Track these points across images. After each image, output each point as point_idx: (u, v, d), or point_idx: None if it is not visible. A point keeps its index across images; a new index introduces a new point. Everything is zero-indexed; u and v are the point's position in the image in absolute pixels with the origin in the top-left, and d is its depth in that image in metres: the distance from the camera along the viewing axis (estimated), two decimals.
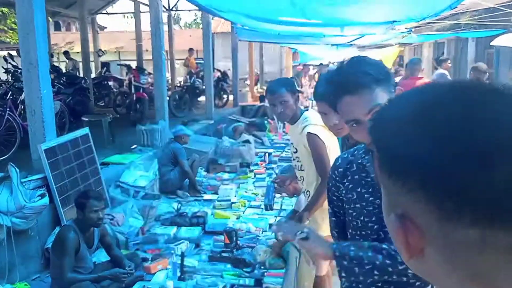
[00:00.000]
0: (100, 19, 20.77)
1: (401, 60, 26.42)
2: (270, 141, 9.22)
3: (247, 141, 7.74)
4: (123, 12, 24.52)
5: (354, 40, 9.22)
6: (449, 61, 8.50)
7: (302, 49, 17.74)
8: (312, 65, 20.36)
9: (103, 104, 12.08)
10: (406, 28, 10.25)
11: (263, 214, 5.11)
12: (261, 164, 7.34)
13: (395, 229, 0.52)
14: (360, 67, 1.31)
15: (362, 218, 1.39)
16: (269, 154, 7.71)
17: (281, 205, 5.12)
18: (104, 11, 17.19)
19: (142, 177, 5.36)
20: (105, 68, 15.06)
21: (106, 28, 25.75)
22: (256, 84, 16.62)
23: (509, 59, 10.22)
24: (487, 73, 6.69)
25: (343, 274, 1.33)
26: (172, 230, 4.55)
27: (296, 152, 2.79)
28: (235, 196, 5.69)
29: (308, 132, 2.58)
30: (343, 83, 1.32)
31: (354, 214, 1.41)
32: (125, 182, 5.16)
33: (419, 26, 16.77)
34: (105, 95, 12.24)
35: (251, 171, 6.94)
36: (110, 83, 12.53)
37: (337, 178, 1.48)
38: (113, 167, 5.56)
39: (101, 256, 3.80)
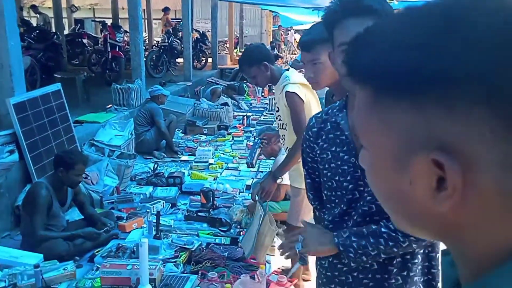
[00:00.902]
0: None
1: None
2: (249, 105, 9.14)
3: (226, 104, 7.65)
4: None
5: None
6: None
7: (283, 13, 17.41)
8: (293, 30, 20.11)
9: (77, 62, 11.67)
10: None
11: (240, 175, 5.11)
12: (239, 127, 7.29)
13: (422, 172, 0.42)
14: None
15: (337, 178, 1.34)
16: (248, 117, 7.65)
17: (258, 167, 5.11)
18: None
19: (117, 136, 5.23)
20: (78, 25, 14.49)
21: None
22: (235, 47, 16.32)
23: None
24: None
25: (353, 265, 1.33)
26: (148, 189, 4.50)
27: (278, 111, 2.80)
28: (213, 158, 5.65)
29: (287, 91, 2.59)
30: (349, 4, 1.21)
31: (329, 174, 1.36)
32: (99, 141, 5.03)
33: None
34: (79, 53, 11.81)
35: (229, 133, 6.89)
36: (84, 40, 12.07)
37: (311, 139, 1.42)
38: (87, 125, 5.41)
39: (75, 215, 3.73)
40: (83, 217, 3.59)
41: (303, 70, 2.55)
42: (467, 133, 0.40)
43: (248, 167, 3.35)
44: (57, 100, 4.59)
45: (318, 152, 1.40)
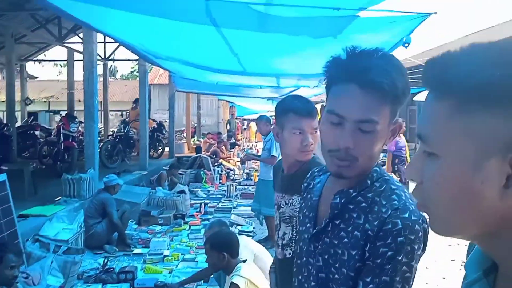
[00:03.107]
0: (32, 68, 20.00)
1: None
2: (206, 192, 9.01)
3: (182, 192, 7.48)
4: (56, 59, 23.81)
5: (289, 93, 9.54)
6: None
7: (238, 103, 18.12)
8: (248, 119, 20.80)
9: (27, 155, 11.30)
10: None
11: (197, 267, 4.83)
12: (197, 215, 7.08)
13: (494, 172, 0.52)
14: (389, 67, 1.02)
15: (301, 244, 1.22)
16: (205, 205, 7.48)
17: None
18: (35, 59, 16.55)
19: (65, 230, 4.91)
20: (32, 117, 14.30)
21: (37, 77, 24.73)
22: (193, 136, 16.53)
23: None
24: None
25: None
26: None
27: None
28: (168, 249, 5.36)
29: (231, 281, 2.69)
30: (358, 69, 1.00)
31: (297, 237, 1.29)
32: (45, 236, 4.68)
33: None
34: (30, 145, 11.50)
35: (186, 222, 6.65)
36: (37, 132, 11.84)
37: (303, 194, 1.33)
38: (33, 219, 5.07)
39: None
40: None
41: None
42: None
43: None
44: (0, 192, 4.31)
45: (303, 204, 1.31)
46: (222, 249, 2.77)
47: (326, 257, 1.11)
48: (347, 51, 1.04)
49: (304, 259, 1.19)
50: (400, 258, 0.98)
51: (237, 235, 3.48)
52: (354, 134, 1.01)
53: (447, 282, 4.52)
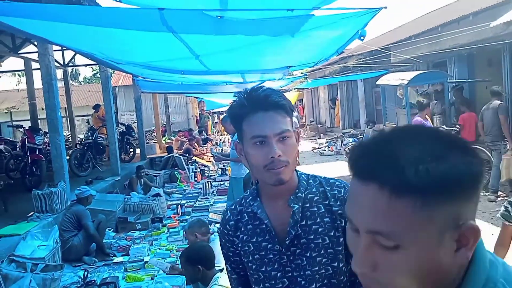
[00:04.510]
0: None
1: (300, 103, 28.04)
2: (182, 192, 9.01)
3: (158, 195, 7.47)
4: (12, 70, 23.02)
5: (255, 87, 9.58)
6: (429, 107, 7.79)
7: (207, 98, 18.02)
8: (218, 112, 20.72)
9: None
10: (301, 73, 10.96)
11: None
12: (174, 217, 7.09)
13: (450, 243, 0.63)
14: (277, 92, 1.32)
15: (263, 268, 1.32)
16: (182, 205, 7.50)
17: None
18: None
19: (40, 247, 4.84)
20: None
21: None
22: (163, 135, 16.37)
23: (393, 96, 11.32)
24: None
25: None
26: None
27: None
28: (148, 255, 5.37)
29: None
30: (258, 99, 1.28)
31: (254, 266, 1.34)
32: (20, 255, 4.60)
33: (313, 71, 18.10)
34: None
35: (164, 225, 6.66)
36: (1, 146, 11.47)
37: (230, 232, 1.39)
38: (6, 239, 4.97)
39: None
40: None
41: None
42: (473, 211, 0.65)
43: None
44: None
45: (239, 245, 1.37)
46: (196, 263, 2.81)
47: (308, 254, 1.28)
48: (242, 95, 1.31)
49: (279, 274, 1.30)
50: None
51: (211, 244, 3.49)
52: (278, 145, 1.25)
53: None
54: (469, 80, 9.27)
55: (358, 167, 0.65)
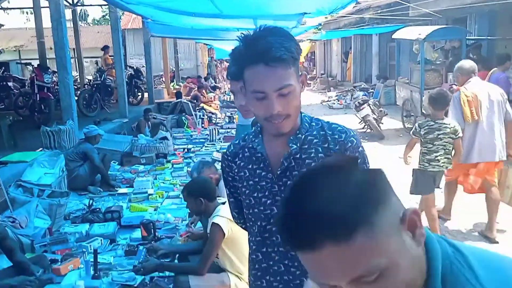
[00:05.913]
0: None
1: (312, 55, 27.47)
2: (189, 137, 9.06)
3: (165, 138, 7.51)
4: (20, 7, 22.57)
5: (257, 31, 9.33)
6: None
7: (217, 45, 17.70)
8: (227, 60, 20.38)
9: (2, 106, 11.05)
10: (317, 23, 10.65)
11: (182, 203, 4.95)
12: (179, 154, 7.14)
13: (407, 236, 0.73)
14: (281, 39, 1.22)
15: (255, 194, 1.39)
16: (188, 149, 7.56)
17: None
18: None
19: (47, 174, 4.92)
20: (3, 68, 13.77)
21: (3, 25, 23.52)
22: (172, 81, 16.24)
23: (408, 51, 11.03)
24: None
25: (281, 249, 1.38)
26: (84, 227, 4.24)
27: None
28: (152, 188, 5.47)
29: (213, 222, 2.74)
30: (260, 51, 1.20)
31: (247, 192, 1.41)
32: (27, 181, 4.69)
33: (327, 22, 17.57)
34: (5, 97, 11.21)
35: (168, 161, 6.72)
36: (10, 83, 11.49)
37: (229, 158, 1.48)
38: (13, 166, 5.06)
39: (3, 263, 3.41)
40: (11, 264, 3.28)
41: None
42: (398, 200, 0.76)
43: None
44: None
45: (236, 170, 1.45)
46: (198, 195, 2.86)
47: None
48: (242, 40, 1.26)
49: (268, 201, 1.38)
50: (366, 161, 1.40)
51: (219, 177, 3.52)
52: (278, 100, 1.23)
53: None
54: (489, 37, 8.96)
55: (299, 241, 0.68)
